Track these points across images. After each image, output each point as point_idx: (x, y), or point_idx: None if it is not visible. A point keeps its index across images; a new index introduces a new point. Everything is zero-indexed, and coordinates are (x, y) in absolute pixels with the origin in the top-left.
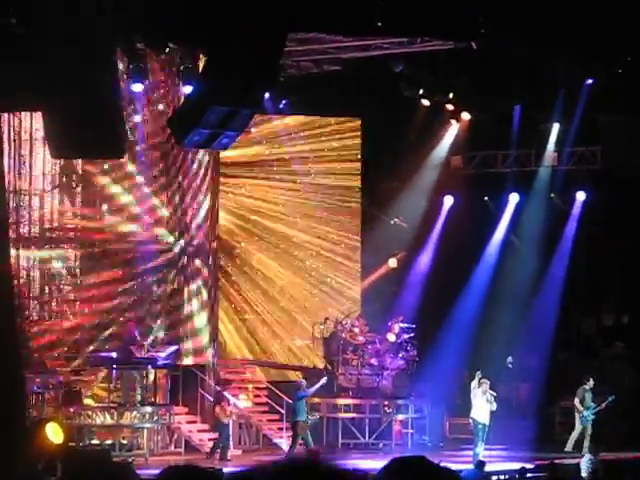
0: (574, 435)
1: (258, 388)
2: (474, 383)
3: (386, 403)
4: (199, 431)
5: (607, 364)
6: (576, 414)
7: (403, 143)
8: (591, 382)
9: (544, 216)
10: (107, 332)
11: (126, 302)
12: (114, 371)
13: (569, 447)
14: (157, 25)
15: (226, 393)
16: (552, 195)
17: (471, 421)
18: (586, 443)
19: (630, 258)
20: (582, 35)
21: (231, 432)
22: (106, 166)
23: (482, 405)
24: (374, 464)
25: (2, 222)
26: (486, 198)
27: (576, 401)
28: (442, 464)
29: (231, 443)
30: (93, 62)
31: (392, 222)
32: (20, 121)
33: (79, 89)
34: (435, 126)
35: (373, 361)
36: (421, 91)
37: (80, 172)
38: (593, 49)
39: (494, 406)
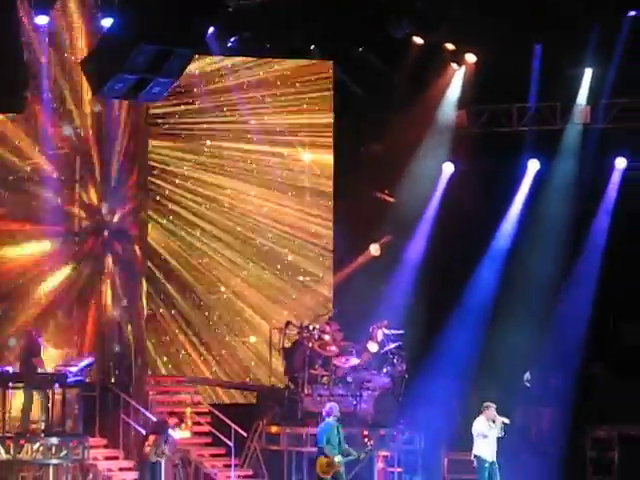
0: None
1: (198, 413)
2: (478, 421)
3: (366, 433)
4: (122, 469)
5: None
6: None
7: (389, 95)
8: None
9: (573, 189)
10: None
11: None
12: (9, 391)
13: None
14: None
15: (151, 417)
16: (584, 159)
17: (474, 459)
18: None
19: None
20: None
21: (163, 474)
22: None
23: (487, 438)
24: None
25: None
26: (495, 168)
27: None
28: None
29: None
30: None
31: (373, 196)
32: None
33: None
34: (430, 71)
35: (349, 378)
36: (412, 27)
37: None
38: None
39: (501, 433)
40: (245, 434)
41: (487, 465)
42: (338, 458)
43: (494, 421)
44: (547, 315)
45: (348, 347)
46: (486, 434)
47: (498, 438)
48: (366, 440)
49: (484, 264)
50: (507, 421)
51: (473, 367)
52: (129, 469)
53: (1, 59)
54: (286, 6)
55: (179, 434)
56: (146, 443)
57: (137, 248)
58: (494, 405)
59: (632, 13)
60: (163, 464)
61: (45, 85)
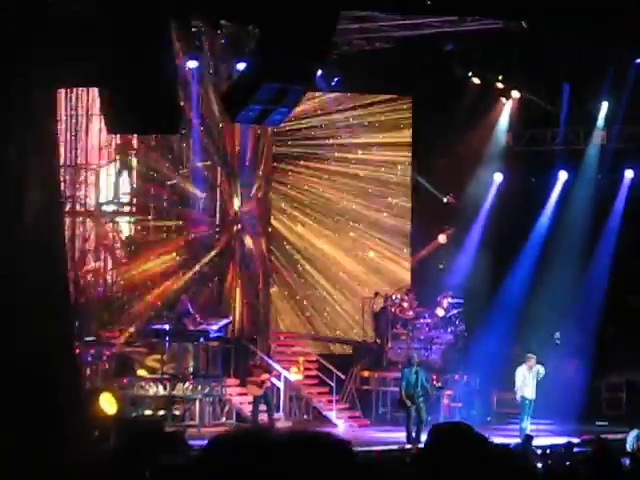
0: None
1: (308, 361)
2: (521, 368)
3: (435, 377)
4: (250, 403)
5: None
6: None
7: (454, 121)
8: None
9: (593, 194)
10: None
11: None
12: (167, 343)
13: None
14: (210, 3)
15: (269, 362)
16: (599, 175)
17: (518, 397)
18: None
19: None
20: (631, 14)
21: (273, 402)
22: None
23: (529, 381)
24: (422, 437)
25: (57, 197)
26: (533, 179)
27: None
28: (491, 438)
29: (278, 414)
30: (151, 41)
31: (445, 200)
32: (77, 96)
33: (138, 67)
34: (485, 104)
35: (422, 336)
36: (471, 70)
37: (135, 147)
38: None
39: (540, 376)
40: (344, 377)
41: (527, 402)
42: (417, 397)
43: (533, 368)
44: (573, 287)
45: (422, 312)
46: (527, 378)
47: (537, 381)
48: (435, 382)
49: (525, 250)
50: (543, 370)
51: (518, 326)
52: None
53: (161, 94)
54: (374, 55)
55: (294, 377)
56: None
57: (262, 234)
58: (534, 355)
59: (638, 60)
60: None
61: (195, 113)
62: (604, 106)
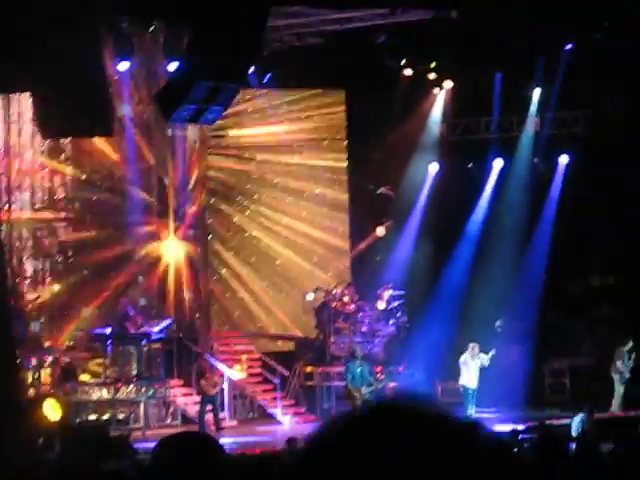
0: (619, 395)
1: (251, 359)
2: (464, 356)
3: (378, 370)
4: (195, 403)
5: (596, 326)
6: (615, 375)
7: (387, 112)
8: (630, 344)
9: (528, 181)
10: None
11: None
12: (109, 347)
13: (616, 407)
14: (141, 4)
15: (215, 362)
16: (535, 160)
17: (461, 387)
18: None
19: (613, 220)
20: (560, 1)
21: (219, 402)
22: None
23: (472, 371)
24: None
25: None
26: (470, 165)
27: (618, 363)
28: None
29: (223, 413)
30: (79, 43)
31: (378, 192)
32: (8, 102)
33: (66, 71)
34: (418, 95)
35: (364, 329)
36: (403, 61)
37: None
38: (571, 15)
39: (485, 363)
40: (287, 374)
41: (470, 391)
42: (364, 389)
43: (477, 357)
44: (513, 274)
45: (363, 305)
46: (469, 367)
47: (480, 369)
48: (378, 375)
49: (464, 239)
50: (487, 358)
51: (459, 315)
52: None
53: (92, 96)
54: (305, 50)
55: (237, 375)
56: (202, 381)
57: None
58: (476, 344)
59: (569, 47)
60: (226, 396)
61: (128, 115)
62: (537, 93)
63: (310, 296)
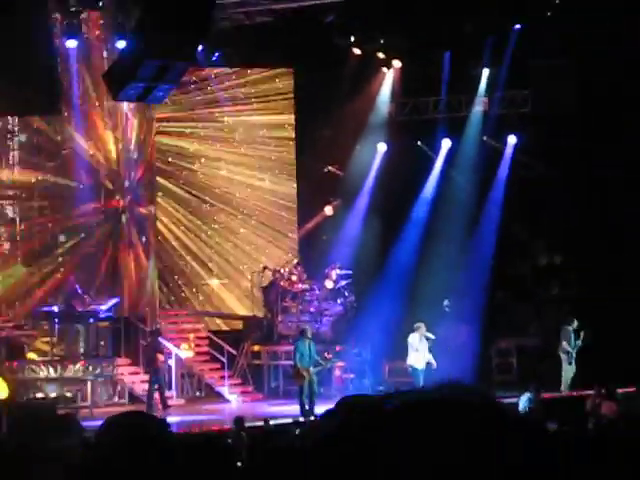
0: (569, 375)
1: (199, 337)
2: (411, 336)
3: (326, 349)
4: (142, 382)
5: (544, 306)
6: (563, 355)
7: (336, 92)
8: (575, 323)
9: (477, 161)
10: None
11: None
12: (56, 325)
13: (565, 387)
14: None
15: (163, 342)
16: (485, 138)
17: (409, 367)
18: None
19: (561, 199)
20: None
21: (166, 380)
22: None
23: (420, 351)
24: (317, 409)
25: None
26: (419, 143)
27: (564, 343)
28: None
29: (170, 392)
30: (27, 21)
31: (325, 170)
32: None
33: (14, 49)
34: (367, 74)
35: (312, 308)
36: (352, 39)
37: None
38: None
39: (430, 343)
40: (235, 352)
41: (419, 372)
42: (312, 369)
43: (422, 337)
44: (462, 254)
45: (311, 284)
46: (417, 347)
47: (429, 349)
48: (326, 354)
49: (412, 218)
50: (432, 337)
51: (407, 294)
52: (148, 381)
53: (41, 74)
54: (254, 29)
55: (185, 354)
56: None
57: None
58: (422, 324)
59: (517, 27)
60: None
61: (75, 92)
62: (485, 73)
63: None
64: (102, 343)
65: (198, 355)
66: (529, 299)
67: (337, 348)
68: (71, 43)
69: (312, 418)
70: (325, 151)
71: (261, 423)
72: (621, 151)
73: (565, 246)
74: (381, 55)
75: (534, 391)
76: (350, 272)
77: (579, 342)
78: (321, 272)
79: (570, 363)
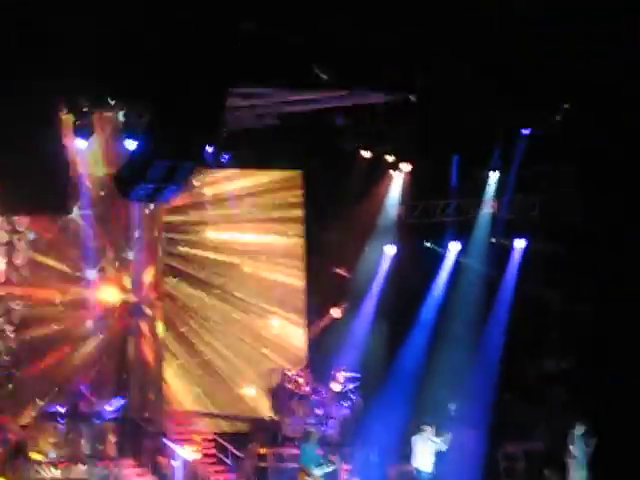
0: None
1: (205, 440)
2: (414, 438)
3: (332, 452)
4: None
5: (551, 409)
6: (570, 460)
7: (344, 195)
8: (582, 428)
9: (485, 263)
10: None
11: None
12: (61, 426)
13: None
14: (101, 85)
15: (169, 443)
16: (493, 240)
17: (414, 470)
18: None
19: (569, 304)
20: (517, 86)
21: None
22: None
23: (425, 454)
24: None
25: None
26: (428, 243)
27: (571, 447)
28: None
29: None
30: (38, 122)
31: (334, 271)
32: None
33: (25, 149)
34: (375, 177)
35: (319, 411)
36: (360, 144)
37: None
38: (529, 99)
39: (443, 447)
40: (241, 455)
41: (424, 475)
42: (317, 471)
43: (429, 440)
44: (470, 355)
45: (318, 387)
46: (423, 450)
47: (437, 453)
48: (333, 457)
49: (420, 321)
50: (438, 440)
51: (414, 397)
52: None
53: (52, 175)
54: (261, 132)
55: (192, 456)
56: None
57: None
58: (430, 427)
59: (525, 132)
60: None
61: (85, 193)
62: (494, 176)
63: None
64: (108, 443)
65: (204, 457)
66: (537, 402)
67: (343, 451)
68: (81, 144)
69: None
70: (334, 253)
71: None
72: (628, 261)
73: (573, 350)
74: (390, 158)
75: None
76: (357, 375)
77: (589, 448)
78: (328, 374)
79: (581, 468)
